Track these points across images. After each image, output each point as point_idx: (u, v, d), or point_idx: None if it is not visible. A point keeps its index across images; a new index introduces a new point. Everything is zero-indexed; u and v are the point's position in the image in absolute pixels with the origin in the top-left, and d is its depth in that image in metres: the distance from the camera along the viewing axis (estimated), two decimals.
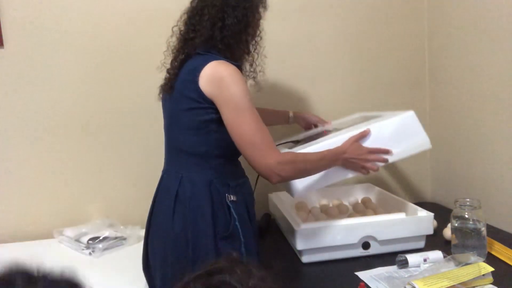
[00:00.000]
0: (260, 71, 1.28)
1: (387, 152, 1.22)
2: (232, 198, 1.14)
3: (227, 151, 1.14)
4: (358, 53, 1.85)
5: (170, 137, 1.19)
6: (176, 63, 1.18)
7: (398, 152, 1.23)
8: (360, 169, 1.20)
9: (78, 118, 1.65)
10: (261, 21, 1.22)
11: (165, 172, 1.20)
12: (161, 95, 1.23)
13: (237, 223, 1.13)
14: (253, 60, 1.25)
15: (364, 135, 1.21)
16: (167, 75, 1.20)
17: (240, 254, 1.11)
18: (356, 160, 1.18)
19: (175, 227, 1.11)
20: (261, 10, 1.19)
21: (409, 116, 1.27)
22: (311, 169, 1.16)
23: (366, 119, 1.47)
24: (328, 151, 1.17)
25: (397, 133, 1.24)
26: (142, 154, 1.70)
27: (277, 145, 1.37)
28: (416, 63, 1.91)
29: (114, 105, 1.67)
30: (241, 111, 1.06)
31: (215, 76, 1.07)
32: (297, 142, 1.47)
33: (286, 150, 1.30)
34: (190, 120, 1.12)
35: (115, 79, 1.66)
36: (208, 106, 1.10)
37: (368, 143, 1.21)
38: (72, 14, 1.60)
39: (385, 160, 1.21)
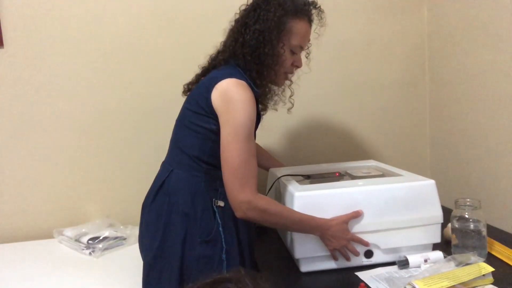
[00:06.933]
0: (279, 100, 1.31)
1: (366, 244, 1.18)
2: (219, 204, 1.13)
3: (219, 162, 1.11)
4: (358, 53, 1.85)
5: (174, 131, 1.22)
6: (202, 71, 1.24)
7: (408, 219, 1.20)
8: (332, 250, 1.16)
9: (78, 118, 1.65)
10: (290, 52, 1.18)
11: (163, 163, 1.25)
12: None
13: (220, 228, 1.12)
14: (271, 87, 1.24)
15: (355, 216, 1.15)
16: (194, 79, 1.27)
17: (220, 260, 1.10)
18: (334, 241, 1.14)
19: (151, 214, 1.16)
20: (284, 35, 1.15)
21: (429, 185, 1.23)
22: (282, 225, 1.15)
23: (381, 171, 1.44)
24: (312, 218, 1.12)
25: (412, 199, 1.20)
26: (142, 154, 1.70)
27: (287, 175, 1.38)
28: (416, 63, 1.91)
29: (114, 105, 1.67)
30: (237, 139, 1.05)
31: (228, 94, 1.06)
32: (308, 177, 1.44)
33: (294, 184, 1.26)
34: (193, 122, 1.13)
35: (115, 79, 1.66)
36: (212, 116, 1.10)
37: (379, 202, 1.18)
38: (72, 14, 1.60)
39: (358, 254, 1.18)
